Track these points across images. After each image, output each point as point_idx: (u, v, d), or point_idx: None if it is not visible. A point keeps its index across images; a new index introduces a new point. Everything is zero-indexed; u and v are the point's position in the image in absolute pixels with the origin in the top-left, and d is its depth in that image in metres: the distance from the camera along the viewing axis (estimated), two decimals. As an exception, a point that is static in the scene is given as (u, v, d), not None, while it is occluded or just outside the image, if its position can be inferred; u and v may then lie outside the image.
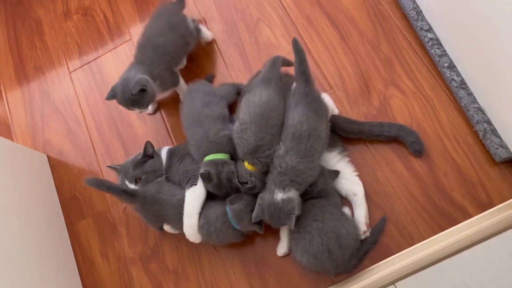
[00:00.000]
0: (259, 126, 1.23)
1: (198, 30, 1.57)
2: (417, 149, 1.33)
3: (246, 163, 1.28)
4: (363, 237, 1.29)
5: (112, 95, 1.38)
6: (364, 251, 1.27)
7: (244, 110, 1.26)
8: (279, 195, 1.19)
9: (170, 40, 1.44)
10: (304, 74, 1.23)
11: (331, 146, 1.34)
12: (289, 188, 1.19)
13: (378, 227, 1.30)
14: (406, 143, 1.35)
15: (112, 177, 1.60)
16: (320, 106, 1.24)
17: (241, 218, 1.27)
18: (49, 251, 1.45)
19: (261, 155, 1.24)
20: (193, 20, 1.55)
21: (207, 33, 1.63)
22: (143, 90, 1.34)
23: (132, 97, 1.34)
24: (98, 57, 1.81)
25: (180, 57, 1.52)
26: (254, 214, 1.22)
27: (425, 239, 1.28)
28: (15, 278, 1.25)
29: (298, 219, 1.22)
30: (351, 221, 1.28)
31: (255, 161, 1.25)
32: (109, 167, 1.43)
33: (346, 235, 1.21)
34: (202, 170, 1.28)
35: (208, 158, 1.32)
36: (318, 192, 1.26)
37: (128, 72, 1.40)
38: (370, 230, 1.30)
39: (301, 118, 1.20)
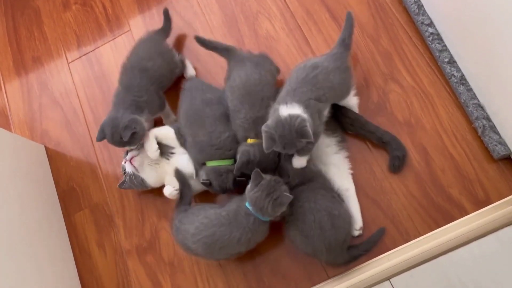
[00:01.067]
0: (250, 104, 1.26)
1: (183, 63, 1.57)
2: (397, 165, 1.32)
3: (248, 140, 1.27)
4: (356, 233, 1.29)
5: (101, 137, 1.37)
6: (356, 255, 1.27)
7: (230, 98, 1.30)
8: (284, 110, 1.12)
9: (158, 64, 1.44)
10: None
11: (331, 130, 1.34)
12: (293, 104, 1.13)
13: (374, 238, 1.29)
14: (390, 153, 1.34)
15: (109, 168, 1.60)
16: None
17: (261, 206, 1.15)
18: (46, 242, 1.45)
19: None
20: (178, 54, 1.56)
21: (190, 69, 1.59)
22: (133, 133, 1.33)
23: (122, 140, 1.33)
24: (96, 48, 1.80)
25: (167, 82, 1.51)
26: (264, 145, 1.12)
27: (421, 235, 1.27)
28: (11, 269, 1.25)
29: (290, 206, 1.21)
30: (343, 204, 1.27)
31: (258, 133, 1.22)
32: None
33: (339, 216, 1.20)
34: (204, 177, 1.29)
35: (211, 163, 1.31)
36: (304, 177, 1.26)
37: (115, 108, 1.39)
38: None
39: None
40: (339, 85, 1.25)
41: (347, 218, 1.25)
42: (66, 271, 1.48)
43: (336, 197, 1.28)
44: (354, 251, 1.26)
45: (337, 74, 1.24)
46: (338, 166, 1.32)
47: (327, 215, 1.18)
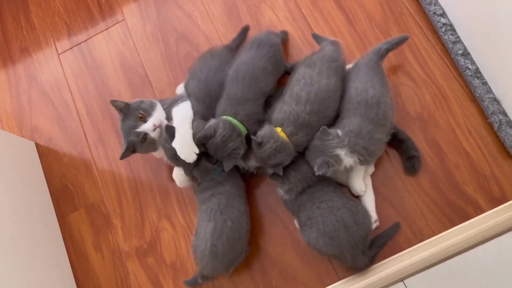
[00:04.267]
0: (315, 110, 1.17)
1: None
2: (416, 166, 1.27)
3: (279, 129, 1.18)
4: (374, 226, 1.24)
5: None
6: (374, 255, 1.22)
7: (302, 86, 1.19)
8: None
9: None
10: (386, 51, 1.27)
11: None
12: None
13: (389, 232, 1.24)
14: (405, 152, 1.28)
15: (105, 165, 1.52)
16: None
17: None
18: (39, 243, 1.37)
19: (311, 132, 1.17)
20: None
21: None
22: None
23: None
24: (89, 38, 1.70)
25: None
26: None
27: (436, 234, 1.23)
28: (2, 273, 1.17)
29: (304, 210, 1.18)
30: (356, 200, 1.23)
31: (301, 134, 1.17)
32: None
33: (357, 212, 1.16)
34: (209, 124, 1.19)
35: (229, 118, 1.21)
36: (311, 179, 1.21)
37: None
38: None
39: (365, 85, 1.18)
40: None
41: (366, 213, 1.20)
42: (61, 274, 1.40)
43: (346, 194, 1.23)
44: (372, 251, 1.21)
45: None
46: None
47: (348, 211, 1.13)
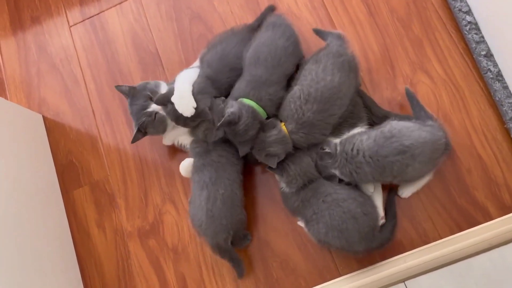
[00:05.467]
0: (320, 108, 1.15)
1: None
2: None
3: (283, 124, 1.19)
4: (381, 222, 1.22)
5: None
6: (389, 235, 1.19)
7: (309, 82, 1.16)
8: None
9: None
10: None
11: (356, 122, 1.25)
12: None
13: (390, 203, 1.24)
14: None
15: (111, 143, 1.51)
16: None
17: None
18: (42, 217, 1.37)
19: (312, 131, 1.16)
20: None
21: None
22: None
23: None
24: (101, 12, 1.66)
25: None
26: None
27: (441, 238, 1.21)
28: (3, 246, 1.17)
29: (310, 206, 1.16)
30: (359, 190, 1.20)
31: (301, 134, 1.17)
32: None
33: (365, 202, 1.15)
34: (232, 109, 1.16)
35: (248, 101, 1.20)
36: (312, 173, 1.21)
37: None
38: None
39: None
40: None
41: (371, 202, 1.18)
42: (63, 250, 1.41)
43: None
44: (385, 232, 1.19)
45: None
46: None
47: (354, 202, 1.12)
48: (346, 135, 1.21)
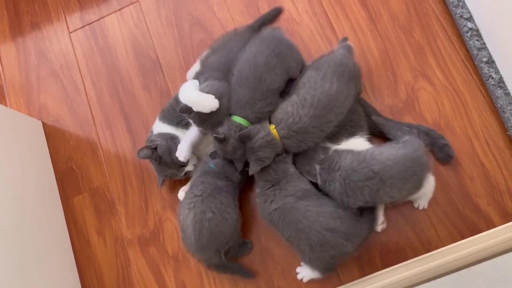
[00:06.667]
0: (317, 114, 1.14)
1: None
2: (449, 154, 1.23)
3: (273, 126, 1.18)
4: (379, 228, 1.22)
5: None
6: (370, 225, 1.18)
7: (307, 89, 1.16)
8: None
9: None
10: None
11: (356, 131, 1.23)
12: None
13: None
14: (435, 146, 1.24)
15: (111, 150, 1.50)
16: None
17: None
18: (42, 224, 1.36)
19: (305, 138, 1.16)
20: None
21: None
22: None
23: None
24: (101, 18, 1.65)
25: None
26: None
27: (444, 245, 1.20)
28: (4, 253, 1.16)
29: (282, 230, 1.16)
30: (328, 199, 1.16)
31: (293, 140, 1.16)
32: None
33: (336, 208, 1.12)
34: (222, 130, 1.16)
35: (238, 119, 1.19)
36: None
37: None
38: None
39: None
40: None
41: (340, 212, 1.13)
42: (63, 257, 1.40)
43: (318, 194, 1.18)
44: (365, 217, 1.17)
45: None
46: None
47: (326, 216, 1.10)
48: (345, 142, 1.20)
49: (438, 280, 1.19)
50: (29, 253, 1.26)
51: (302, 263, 1.26)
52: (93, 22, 1.66)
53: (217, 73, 1.26)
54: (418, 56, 1.36)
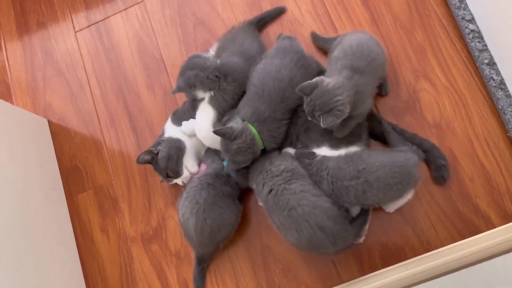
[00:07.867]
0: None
1: None
2: (443, 176, 1.23)
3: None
4: (361, 240, 1.24)
5: None
6: (360, 224, 1.19)
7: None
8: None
9: None
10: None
11: (357, 137, 1.22)
12: None
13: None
14: (432, 163, 1.24)
15: (115, 148, 1.52)
16: None
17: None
18: (46, 221, 1.38)
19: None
20: None
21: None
22: None
23: None
24: (106, 18, 1.68)
25: None
26: None
27: (444, 245, 1.21)
28: (8, 250, 1.18)
29: (273, 212, 1.15)
30: (315, 188, 1.15)
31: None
32: None
33: (332, 206, 1.11)
34: (236, 126, 1.16)
35: (253, 129, 1.18)
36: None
37: None
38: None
39: None
40: None
41: (335, 212, 1.11)
42: (67, 253, 1.42)
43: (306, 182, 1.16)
44: (355, 224, 1.17)
45: None
46: None
47: (320, 211, 1.08)
48: (344, 150, 1.19)
49: (438, 280, 1.20)
50: (33, 249, 1.28)
51: None
52: (98, 22, 1.68)
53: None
54: (420, 57, 1.37)
